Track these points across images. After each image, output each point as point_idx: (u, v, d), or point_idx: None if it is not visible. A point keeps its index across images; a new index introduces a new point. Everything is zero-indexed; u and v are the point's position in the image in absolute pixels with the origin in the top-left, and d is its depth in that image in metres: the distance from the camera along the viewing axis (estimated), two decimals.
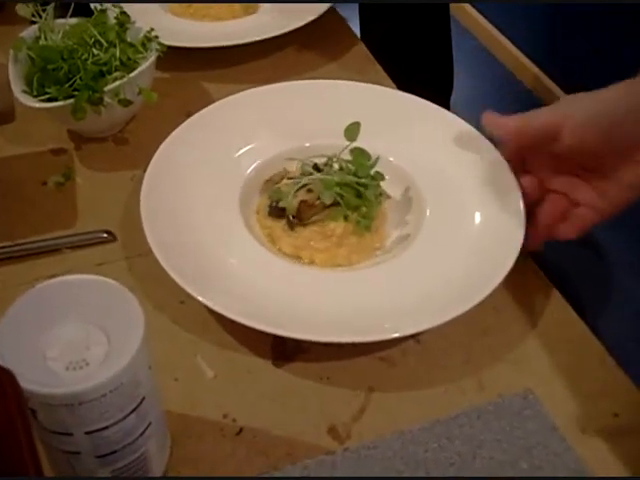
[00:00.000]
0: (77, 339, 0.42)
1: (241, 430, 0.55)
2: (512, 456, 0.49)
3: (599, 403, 0.56)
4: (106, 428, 0.43)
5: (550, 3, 2.30)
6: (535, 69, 2.41)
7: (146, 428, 0.46)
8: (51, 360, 0.42)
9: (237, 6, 0.96)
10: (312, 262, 0.64)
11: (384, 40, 1.56)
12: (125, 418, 0.44)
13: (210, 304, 0.58)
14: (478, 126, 0.73)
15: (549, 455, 0.49)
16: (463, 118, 0.74)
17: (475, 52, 2.49)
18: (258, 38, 0.87)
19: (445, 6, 1.57)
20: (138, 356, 0.42)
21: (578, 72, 2.19)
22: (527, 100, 2.36)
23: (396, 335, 0.57)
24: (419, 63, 1.57)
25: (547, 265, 0.66)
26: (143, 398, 0.45)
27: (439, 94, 1.63)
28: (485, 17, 2.55)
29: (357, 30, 1.48)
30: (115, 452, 0.45)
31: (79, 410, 0.41)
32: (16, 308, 0.44)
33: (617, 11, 2.01)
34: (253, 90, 0.77)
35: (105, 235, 0.69)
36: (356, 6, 1.56)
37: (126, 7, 0.81)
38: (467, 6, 2.57)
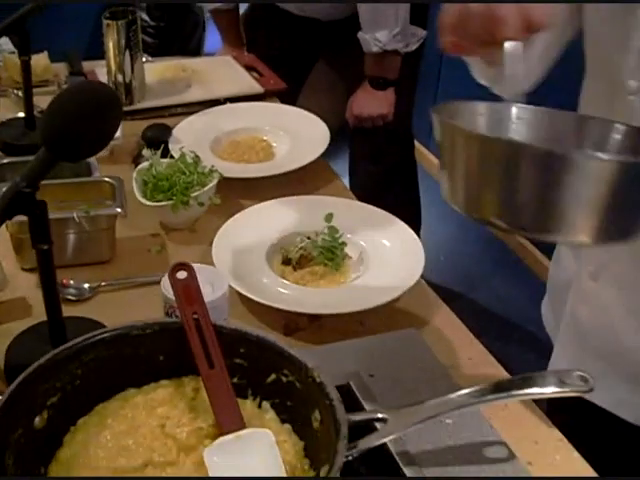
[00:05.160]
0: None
1: None
2: None
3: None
4: None
5: None
6: None
7: None
8: None
9: (262, 154, 1.53)
10: (305, 286, 1.16)
11: (367, 186, 2.17)
12: None
13: (246, 293, 1.09)
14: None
15: None
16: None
17: (430, 191, 3.06)
18: (275, 172, 1.43)
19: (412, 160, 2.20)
20: (224, 297, 0.94)
21: None
22: (492, 241, 2.88)
23: (349, 309, 1.08)
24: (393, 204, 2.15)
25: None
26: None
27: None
28: None
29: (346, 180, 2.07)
30: None
31: None
32: None
33: None
34: (276, 200, 1.32)
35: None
36: (346, 160, 2.18)
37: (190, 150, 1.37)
38: (422, 148, 3.19)
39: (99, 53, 1.99)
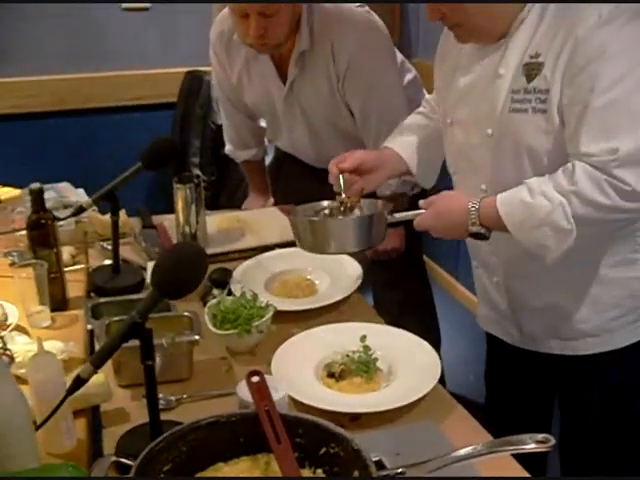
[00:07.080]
0: None
1: None
2: None
3: None
4: None
5: None
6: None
7: None
8: None
9: (307, 290, 1.86)
10: (346, 393, 1.45)
11: (390, 310, 2.46)
12: None
13: (300, 399, 1.38)
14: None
15: None
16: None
17: (460, 318, 3.30)
18: (319, 305, 1.75)
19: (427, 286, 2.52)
20: (284, 398, 1.23)
21: None
22: None
23: (382, 408, 1.36)
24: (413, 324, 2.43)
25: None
26: None
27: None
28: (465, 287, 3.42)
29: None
30: None
31: None
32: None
33: None
34: (321, 327, 1.64)
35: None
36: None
37: (250, 290, 1.70)
38: (450, 278, 3.47)
39: (158, 207, 2.39)
